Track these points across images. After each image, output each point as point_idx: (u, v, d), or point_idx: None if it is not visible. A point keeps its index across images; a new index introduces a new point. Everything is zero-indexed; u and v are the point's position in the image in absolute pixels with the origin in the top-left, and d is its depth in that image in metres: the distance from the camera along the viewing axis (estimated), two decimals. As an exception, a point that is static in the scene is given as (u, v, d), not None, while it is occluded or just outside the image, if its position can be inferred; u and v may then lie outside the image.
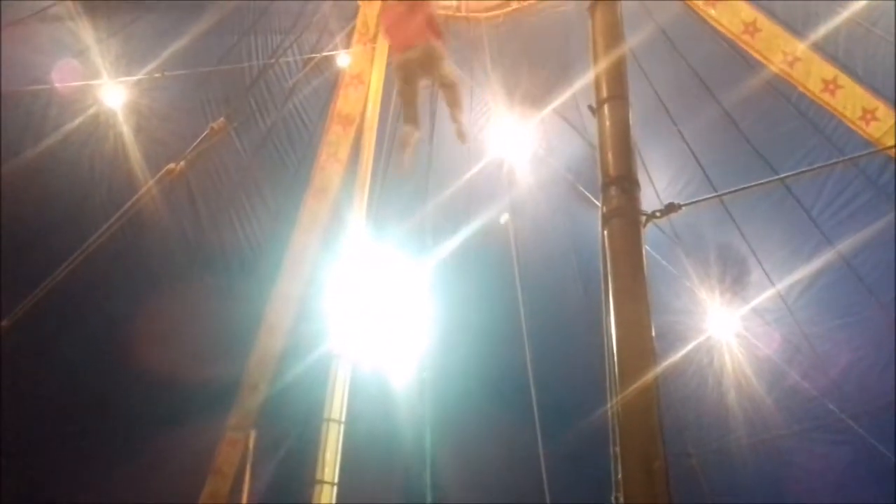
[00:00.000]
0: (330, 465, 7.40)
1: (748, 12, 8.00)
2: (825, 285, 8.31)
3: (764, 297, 8.55)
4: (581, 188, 8.50)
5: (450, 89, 6.76)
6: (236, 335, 8.59)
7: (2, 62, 7.14)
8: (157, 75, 7.84)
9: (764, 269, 8.55)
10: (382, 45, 9.04)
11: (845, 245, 8.02)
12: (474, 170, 9.15)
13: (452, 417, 8.90)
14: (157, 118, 8.23)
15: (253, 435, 8.40)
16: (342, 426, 7.53)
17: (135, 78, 7.78)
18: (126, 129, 7.99)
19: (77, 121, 7.73)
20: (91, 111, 7.77)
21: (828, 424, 8.49)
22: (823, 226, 8.15)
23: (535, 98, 9.11)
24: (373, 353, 8.52)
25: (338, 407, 7.52)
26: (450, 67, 6.76)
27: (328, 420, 7.46)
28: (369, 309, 8.41)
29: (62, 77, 7.50)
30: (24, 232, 7.75)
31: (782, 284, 8.42)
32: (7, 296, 7.25)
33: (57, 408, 8.15)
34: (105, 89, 7.71)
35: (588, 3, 4.52)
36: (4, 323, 7.10)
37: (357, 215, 8.66)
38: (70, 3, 7.39)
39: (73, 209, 7.94)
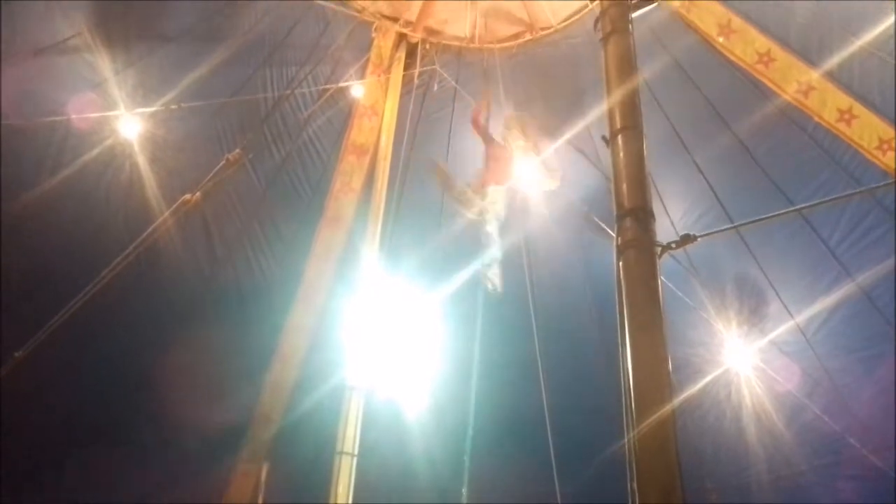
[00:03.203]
0: (342, 499, 7.30)
1: (762, 42, 8.00)
2: (844, 317, 8.19)
3: (782, 329, 8.44)
4: (596, 219, 8.47)
5: None
6: (250, 366, 8.57)
7: (20, 94, 7.25)
8: (173, 106, 7.91)
9: (782, 301, 8.46)
10: (396, 75, 9.12)
11: (864, 276, 7.93)
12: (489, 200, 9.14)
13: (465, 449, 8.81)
14: (174, 149, 8.29)
15: (265, 467, 8.34)
16: (355, 459, 7.45)
17: (151, 109, 7.84)
18: (142, 160, 8.05)
19: (94, 152, 7.79)
20: (108, 142, 7.84)
21: (849, 460, 8.33)
22: (841, 257, 8.07)
23: (549, 128, 9.11)
24: (387, 385, 8.47)
25: (351, 439, 7.44)
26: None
27: (341, 453, 7.37)
28: (383, 339, 8.36)
29: (80, 109, 7.58)
30: (39, 262, 7.80)
31: (801, 317, 8.32)
32: (22, 327, 7.28)
33: (70, 439, 8.14)
34: (122, 121, 7.78)
35: (601, 34, 4.53)
36: (18, 354, 7.12)
37: (371, 245, 8.66)
38: (88, 36, 7.49)
39: (88, 240, 7.98)
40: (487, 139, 7.85)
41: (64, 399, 8.13)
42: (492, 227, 7.49)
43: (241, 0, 8.25)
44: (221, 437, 8.27)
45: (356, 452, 7.45)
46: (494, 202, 7.51)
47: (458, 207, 7.80)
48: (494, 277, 7.53)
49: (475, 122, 7.96)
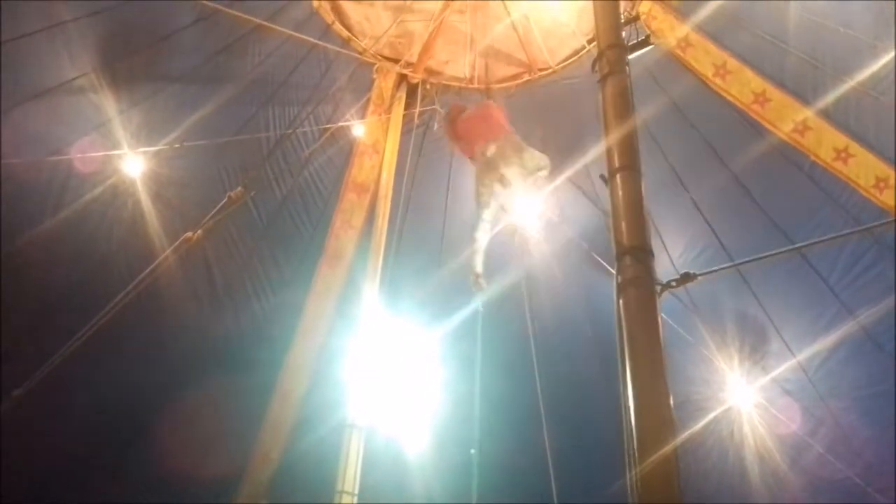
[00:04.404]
0: (342, 540, 7.20)
1: (758, 83, 8.11)
2: (846, 355, 8.17)
3: (784, 367, 8.41)
4: (596, 256, 8.49)
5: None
6: (249, 404, 8.53)
7: (25, 133, 7.33)
8: (176, 146, 7.99)
9: (783, 339, 8.45)
10: (397, 115, 9.22)
11: (864, 314, 7.93)
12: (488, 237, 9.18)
13: (466, 490, 8.71)
14: (176, 187, 8.34)
15: (264, 507, 8.26)
16: (355, 499, 7.36)
17: (154, 148, 7.91)
18: (145, 199, 8.10)
19: (97, 191, 7.84)
20: (111, 181, 7.89)
21: (854, 500, 8.25)
22: (841, 294, 8.08)
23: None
24: (387, 423, 8.41)
25: (351, 479, 7.35)
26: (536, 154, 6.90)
27: (341, 492, 7.28)
28: (384, 378, 8.32)
29: (84, 148, 7.64)
30: (41, 300, 7.81)
31: (802, 355, 8.30)
32: (22, 365, 7.27)
33: (68, 478, 8.06)
34: (126, 160, 7.84)
35: (598, 75, 4.61)
36: (17, 392, 7.11)
37: (371, 282, 8.66)
38: (94, 76, 7.60)
39: (90, 277, 8.00)
40: (459, 118, 7.34)
41: (62, 437, 8.08)
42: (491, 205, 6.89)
43: (245, 41, 8.38)
44: (220, 476, 8.19)
45: (356, 492, 7.37)
46: (501, 159, 6.77)
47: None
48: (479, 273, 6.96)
49: (451, 125, 7.53)
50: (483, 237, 6.98)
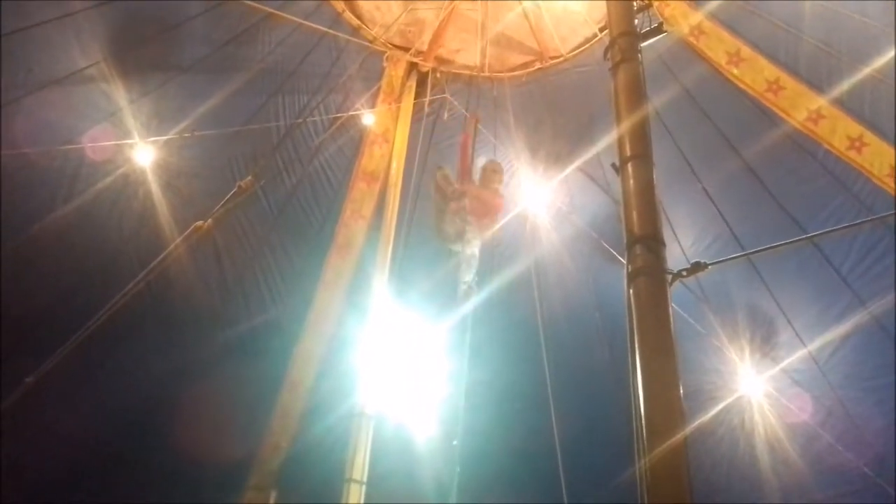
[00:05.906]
0: (352, 527, 7.23)
1: (771, 71, 8.04)
2: (857, 345, 8.11)
3: (795, 357, 8.37)
4: (606, 245, 8.46)
5: None
6: (259, 393, 8.56)
7: (36, 123, 7.35)
8: (186, 135, 8.00)
9: (794, 329, 8.40)
10: (407, 104, 9.21)
11: (877, 304, 7.87)
12: (498, 226, 9.17)
13: (475, 479, 8.74)
14: (186, 176, 8.35)
15: (273, 495, 8.29)
16: (364, 487, 7.39)
17: (165, 138, 7.92)
18: (155, 188, 8.11)
19: (108, 180, 7.86)
20: (121, 170, 7.91)
21: (864, 489, 8.21)
22: (853, 284, 8.01)
23: (559, 155, 9.17)
24: (396, 412, 8.43)
25: (360, 467, 7.39)
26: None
27: (349, 480, 7.32)
28: (393, 366, 8.33)
29: (95, 138, 7.66)
30: (53, 289, 7.85)
31: (813, 345, 8.25)
32: (35, 352, 7.32)
33: (79, 467, 8.12)
34: (136, 149, 7.86)
35: (610, 63, 4.58)
36: (30, 380, 7.16)
37: (381, 272, 8.67)
38: (104, 66, 7.61)
39: (101, 266, 8.03)
40: (466, 173, 8.08)
41: (73, 426, 8.13)
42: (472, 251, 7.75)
43: (255, 30, 8.37)
44: (230, 464, 8.23)
45: (365, 480, 7.40)
46: (471, 240, 7.75)
47: (442, 220, 7.96)
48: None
49: (463, 148, 8.22)
50: (467, 273, 7.79)
